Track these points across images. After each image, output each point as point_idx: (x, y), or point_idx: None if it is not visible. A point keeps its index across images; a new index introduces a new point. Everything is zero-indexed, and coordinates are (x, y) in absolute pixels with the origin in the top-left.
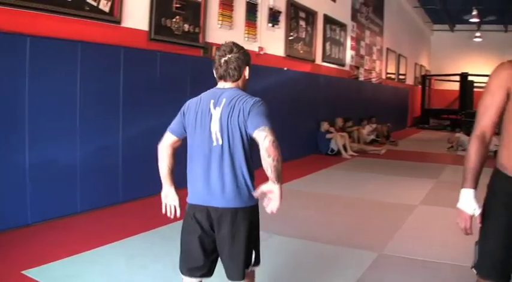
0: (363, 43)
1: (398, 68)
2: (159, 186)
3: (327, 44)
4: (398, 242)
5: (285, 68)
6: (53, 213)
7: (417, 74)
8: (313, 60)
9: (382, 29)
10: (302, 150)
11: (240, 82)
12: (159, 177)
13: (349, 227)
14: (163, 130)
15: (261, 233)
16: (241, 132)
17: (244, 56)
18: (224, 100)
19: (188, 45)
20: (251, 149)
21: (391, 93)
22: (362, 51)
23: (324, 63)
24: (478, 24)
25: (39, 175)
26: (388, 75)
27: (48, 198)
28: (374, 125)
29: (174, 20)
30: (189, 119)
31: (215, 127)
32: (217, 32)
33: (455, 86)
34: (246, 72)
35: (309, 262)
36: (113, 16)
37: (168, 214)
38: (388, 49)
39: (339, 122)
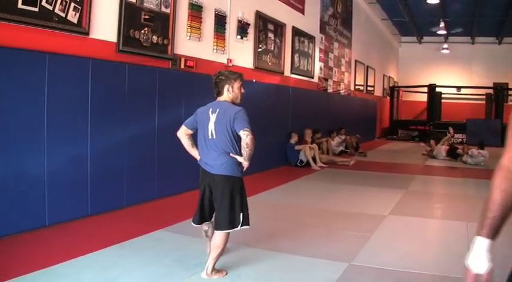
0: (331, 55)
1: (366, 80)
2: (128, 198)
3: (296, 56)
4: (368, 252)
5: (254, 80)
6: (20, 226)
7: (385, 86)
8: (282, 72)
9: (350, 41)
10: (271, 161)
11: (227, 97)
12: (129, 189)
13: (318, 237)
14: (132, 143)
15: (229, 244)
16: (227, 131)
17: (225, 78)
18: (218, 109)
19: (157, 57)
20: (236, 140)
21: (359, 105)
22: (330, 63)
23: (293, 75)
24: (446, 36)
25: (5, 187)
26: (357, 87)
27: (14, 211)
28: (343, 137)
29: (142, 31)
30: (199, 119)
31: (211, 126)
32: (185, 44)
33: (423, 97)
34: (226, 90)
35: (277, 274)
36: (81, 27)
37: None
38: (356, 61)
39: (308, 133)
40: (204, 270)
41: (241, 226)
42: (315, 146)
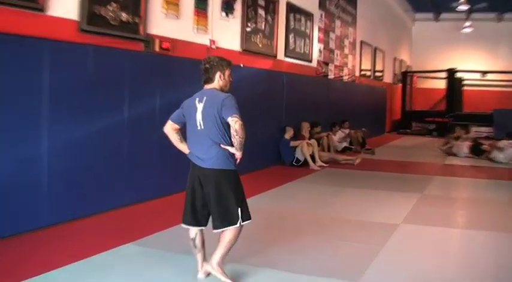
0: (332, 35)
1: (374, 64)
2: (92, 205)
3: (291, 37)
4: (378, 268)
5: (241, 65)
6: None
7: (397, 71)
8: (275, 56)
9: (355, 18)
10: (263, 160)
11: (217, 84)
12: (92, 194)
13: (318, 251)
14: (98, 140)
15: None
16: (216, 120)
17: (216, 64)
18: (205, 98)
19: (127, 38)
20: (227, 129)
21: (366, 93)
22: (331, 45)
23: (287, 59)
24: (467, 12)
25: None
26: (363, 72)
27: None
28: (347, 131)
29: (109, 7)
30: (186, 112)
31: (199, 116)
32: (161, 23)
33: (442, 84)
34: (218, 76)
35: None
36: (35, 3)
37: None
38: (362, 42)
39: (306, 127)
40: (205, 266)
41: (241, 222)
42: (313, 141)
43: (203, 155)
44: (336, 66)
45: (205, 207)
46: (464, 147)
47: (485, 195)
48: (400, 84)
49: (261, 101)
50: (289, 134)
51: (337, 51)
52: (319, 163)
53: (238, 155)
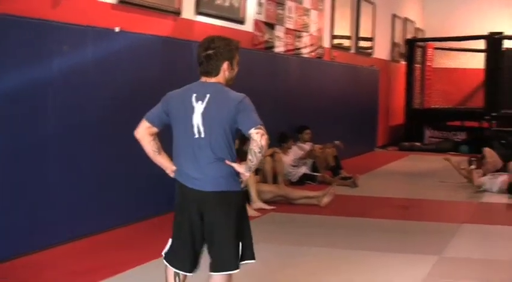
0: None
1: (357, 27)
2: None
3: None
4: None
5: (117, 29)
6: None
7: (397, 38)
8: (178, 12)
9: None
10: (158, 200)
11: (221, 77)
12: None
13: None
14: None
15: None
16: (225, 129)
17: (223, 50)
18: (208, 96)
19: None
20: (232, 140)
21: (343, 79)
22: None
23: (201, 18)
24: None
25: None
26: (337, 42)
27: None
28: (307, 146)
29: None
30: (173, 110)
31: (197, 120)
32: None
33: (477, 62)
34: (226, 67)
35: None
36: None
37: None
38: None
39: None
40: None
41: (243, 260)
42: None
43: (200, 174)
44: (288, 31)
45: (202, 243)
46: (498, 182)
47: None
48: (403, 62)
49: (153, 89)
50: None
51: (290, 4)
52: (258, 204)
53: (247, 176)
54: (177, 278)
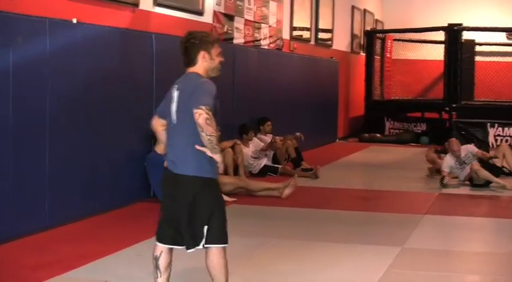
0: None
1: (317, 18)
2: None
3: None
4: None
5: (74, 20)
6: None
7: (357, 30)
8: (136, 4)
9: None
10: (114, 193)
11: (200, 67)
12: None
13: None
14: None
15: None
16: (191, 114)
17: (199, 41)
18: (182, 84)
19: None
20: None
21: (302, 71)
22: None
23: (159, 9)
24: None
25: None
26: (296, 33)
27: None
28: (268, 138)
29: None
30: (166, 104)
31: (174, 108)
32: None
33: (437, 53)
34: (201, 57)
35: None
36: None
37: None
38: None
39: None
40: None
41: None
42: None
43: (176, 157)
44: (247, 23)
45: (179, 221)
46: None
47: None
48: (363, 54)
49: (110, 81)
50: (161, 146)
51: None
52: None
53: (216, 158)
54: (160, 253)
